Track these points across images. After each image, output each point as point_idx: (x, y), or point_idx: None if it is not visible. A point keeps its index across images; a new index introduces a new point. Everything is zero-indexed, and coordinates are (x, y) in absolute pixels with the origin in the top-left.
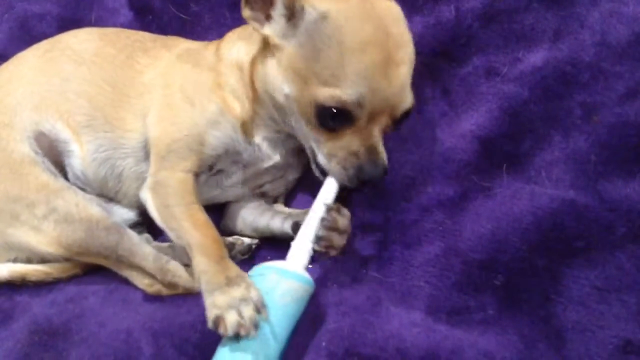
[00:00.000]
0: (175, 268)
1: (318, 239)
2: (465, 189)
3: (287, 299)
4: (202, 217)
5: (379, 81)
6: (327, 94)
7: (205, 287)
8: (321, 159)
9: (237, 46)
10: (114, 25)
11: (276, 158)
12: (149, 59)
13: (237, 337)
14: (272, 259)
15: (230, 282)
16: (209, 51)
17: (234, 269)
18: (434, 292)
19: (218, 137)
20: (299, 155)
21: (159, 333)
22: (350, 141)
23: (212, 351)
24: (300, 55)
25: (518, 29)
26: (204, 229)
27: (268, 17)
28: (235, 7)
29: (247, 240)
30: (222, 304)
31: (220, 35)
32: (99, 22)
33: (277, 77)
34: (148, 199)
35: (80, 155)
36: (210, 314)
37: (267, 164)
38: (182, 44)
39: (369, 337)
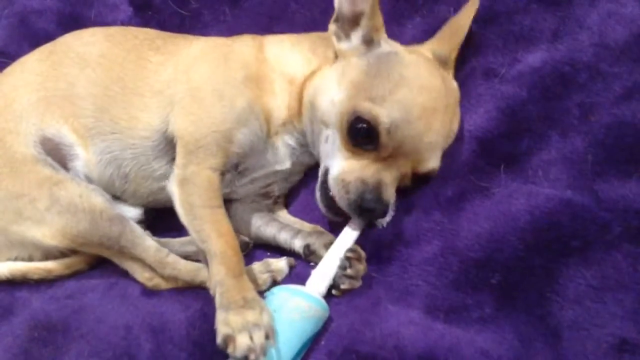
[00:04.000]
0: (175, 261)
1: (338, 287)
2: (463, 189)
3: (294, 315)
4: (227, 225)
5: (418, 122)
6: (368, 107)
7: (220, 300)
8: (332, 177)
9: (293, 59)
10: (114, 21)
11: (287, 164)
12: (162, 56)
13: (244, 358)
14: (271, 256)
15: (246, 304)
16: (243, 45)
17: (251, 291)
18: (432, 291)
19: (245, 134)
20: (304, 167)
21: (157, 329)
22: (365, 168)
23: (211, 348)
24: (363, 70)
25: (516, 30)
26: (227, 238)
27: (347, 36)
28: (234, 4)
29: (244, 237)
30: (235, 325)
31: (219, 31)
32: (99, 18)
33: (333, 84)
34: (175, 193)
35: (85, 158)
36: (222, 330)
37: (278, 167)
38: (198, 39)
39: (368, 335)
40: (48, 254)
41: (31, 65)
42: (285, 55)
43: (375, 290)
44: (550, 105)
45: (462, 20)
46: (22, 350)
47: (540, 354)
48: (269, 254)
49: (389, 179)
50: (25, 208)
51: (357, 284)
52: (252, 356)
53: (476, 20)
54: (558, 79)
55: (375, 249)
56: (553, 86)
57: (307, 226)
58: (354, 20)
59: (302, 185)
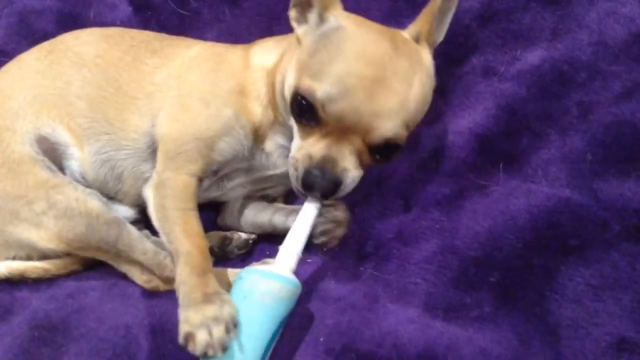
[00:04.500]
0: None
1: (319, 234)
2: (462, 187)
3: (266, 299)
4: (196, 226)
5: (357, 93)
6: (306, 84)
7: (182, 300)
8: (290, 155)
9: (271, 54)
10: (113, 20)
11: (284, 168)
12: (158, 60)
13: (204, 354)
14: (270, 254)
15: (206, 300)
16: (233, 56)
17: (212, 285)
18: (431, 289)
19: (229, 143)
20: None
21: (157, 329)
22: (313, 144)
23: None
24: (308, 48)
25: (516, 28)
26: (195, 239)
27: (305, 18)
28: (234, 4)
29: (244, 235)
30: (194, 322)
31: (219, 31)
32: (98, 18)
33: (290, 69)
34: (149, 197)
35: (80, 158)
36: (182, 329)
37: (273, 171)
38: (196, 44)
39: (367, 333)
40: (46, 255)
41: (29, 63)
42: (265, 53)
43: (374, 289)
44: (549, 104)
45: None
46: (22, 349)
47: (539, 353)
48: (267, 252)
49: (340, 154)
50: (22, 210)
51: (340, 232)
52: (210, 352)
53: (475, 18)
54: (557, 78)
55: (375, 247)
56: (552, 85)
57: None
58: (308, 2)
59: None
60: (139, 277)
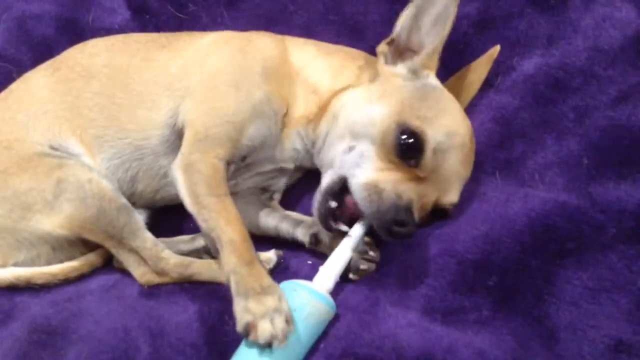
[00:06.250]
0: (169, 256)
1: (357, 270)
2: (461, 193)
3: (311, 319)
4: (234, 212)
5: (458, 153)
6: (418, 124)
7: (237, 288)
8: (361, 182)
9: (319, 69)
10: (112, 25)
11: (291, 165)
12: (169, 53)
13: (267, 344)
14: (268, 250)
15: (264, 291)
16: (262, 42)
17: (267, 277)
18: (430, 293)
19: (259, 127)
20: (305, 170)
21: (155, 332)
22: (400, 182)
23: (208, 350)
24: (411, 91)
25: (512, 35)
26: (236, 226)
27: (394, 62)
28: (232, 6)
29: None
30: (256, 312)
31: None
32: (97, 22)
33: (373, 100)
34: (179, 180)
35: (92, 168)
36: (242, 318)
37: (284, 165)
38: (207, 35)
39: (366, 337)
40: (56, 248)
41: (36, 80)
42: (311, 63)
43: (374, 292)
44: (544, 110)
45: (476, 76)
46: (22, 353)
47: (537, 355)
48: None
49: (419, 203)
50: (35, 201)
51: (373, 267)
52: (275, 342)
53: (473, 24)
54: (552, 85)
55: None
56: (547, 92)
57: (307, 218)
58: (404, 52)
59: (305, 190)
60: (136, 269)
